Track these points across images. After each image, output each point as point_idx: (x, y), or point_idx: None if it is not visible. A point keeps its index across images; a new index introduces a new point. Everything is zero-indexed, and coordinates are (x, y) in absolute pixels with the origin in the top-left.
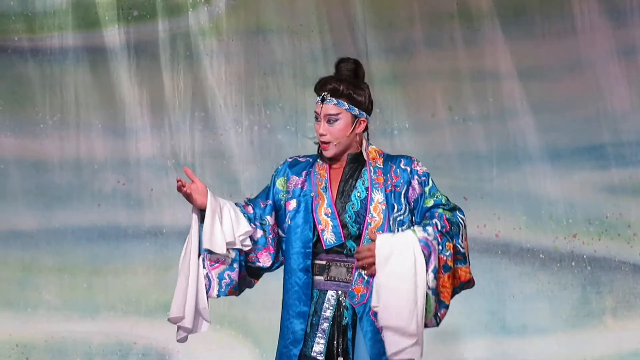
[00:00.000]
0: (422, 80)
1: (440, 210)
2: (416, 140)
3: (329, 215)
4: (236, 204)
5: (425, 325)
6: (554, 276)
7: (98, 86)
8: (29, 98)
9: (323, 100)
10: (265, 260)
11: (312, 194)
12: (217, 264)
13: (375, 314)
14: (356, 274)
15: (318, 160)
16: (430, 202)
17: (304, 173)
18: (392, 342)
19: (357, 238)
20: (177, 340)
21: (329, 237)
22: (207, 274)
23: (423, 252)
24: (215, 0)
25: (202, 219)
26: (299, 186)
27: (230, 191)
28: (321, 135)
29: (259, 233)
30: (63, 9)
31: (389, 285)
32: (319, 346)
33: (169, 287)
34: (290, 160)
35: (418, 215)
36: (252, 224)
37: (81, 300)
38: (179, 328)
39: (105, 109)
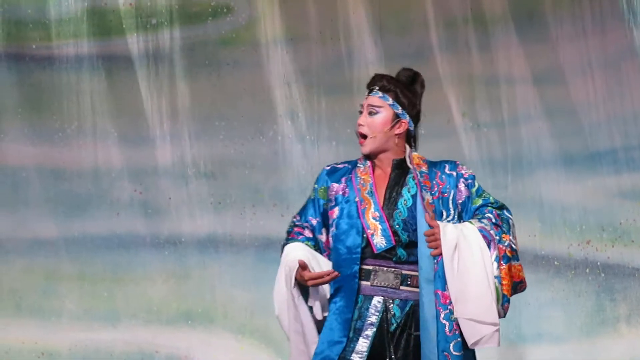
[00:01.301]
0: (437, 86)
1: (489, 208)
2: (431, 147)
3: (377, 219)
4: (295, 233)
5: None
6: (568, 283)
7: (115, 94)
8: (46, 106)
9: (370, 92)
10: None
11: (357, 199)
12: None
13: (438, 295)
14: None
15: (359, 165)
16: (478, 202)
17: (343, 179)
18: (472, 332)
19: (407, 246)
20: None
21: (379, 240)
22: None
23: (484, 240)
24: (236, 10)
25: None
26: (340, 193)
27: (253, 201)
28: (359, 125)
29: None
30: (79, 17)
31: (462, 273)
32: (360, 352)
33: (189, 296)
34: (328, 168)
35: (466, 216)
36: (315, 245)
37: (102, 309)
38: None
39: (122, 117)
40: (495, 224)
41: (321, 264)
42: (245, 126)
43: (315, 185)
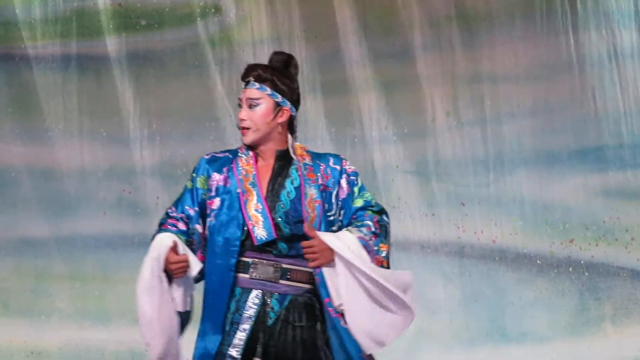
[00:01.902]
0: (421, 85)
1: (369, 212)
2: (414, 146)
3: (260, 211)
4: (168, 224)
5: None
6: (551, 282)
7: (103, 95)
8: (35, 106)
9: (247, 84)
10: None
11: (239, 190)
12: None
13: (329, 304)
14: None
15: (240, 154)
16: (360, 202)
17: (225, 169)
18: (368, 344)
19: (289, 239)
20: None
21: (260, 233)
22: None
23: (364, 250)
24: (224, 10)
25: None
26: (222, 183)
27: None
28: (241, 120)
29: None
30: (67, 17)
31: (350, 286)
32: (237, 345)
33: None
34: (207, 156)
35: (346, 215)
36: (188, 240)
37: (93, 308)
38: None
39: (110, 117)
40: (374, 233)
41: (190, 260)
42: (235, 126)
43: (194, 175)
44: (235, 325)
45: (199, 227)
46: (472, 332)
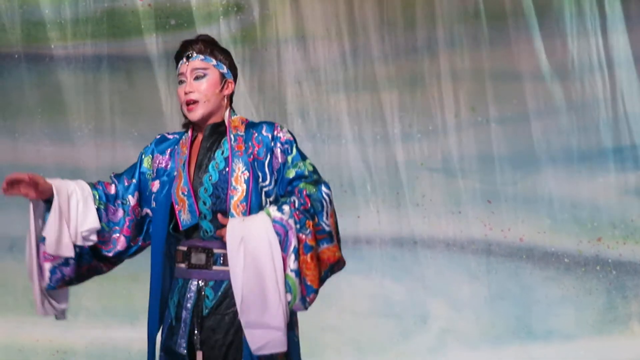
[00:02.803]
0: (445, 81)
1: (301, 185)
2: (439, 143)
3: (185, 193)
4: (98, 183)
5: (293, 310)
6: (579, 281)
7: (134, 94)
8: (65, 106)
9: (188, 58)
10: (121, 243)
11: (175, 172)
12: (50, 257)
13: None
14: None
15: (183, 135)
16: (292, 173)
17: (168, 151)
18: (256, 337)
19: (214, 219)
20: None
21: (185, 217)
22: (39, 264)
23: (278, 233)
24: (247, 9)
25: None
26: (162, 165)
27: None
28: (188, 93)
29: (119, 214)
30: (97, 17)
31: (245, 276)
32: (182, 340)
33: None
34: (158, 137)
35: (280, 187)
36: (112, 205)
37: (120, 307)
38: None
39: (141, 117)
40: (298, 210)
41: (87, 218)
42: None
43: (142, 152)
44: (179, 319)
45: (131, 199)
46: (499, 330)
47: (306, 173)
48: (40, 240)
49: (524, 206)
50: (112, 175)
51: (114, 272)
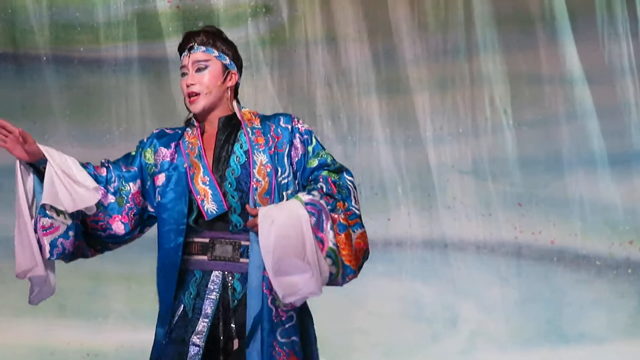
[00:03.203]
0: (477, 84)
1: (325, 173)
2: (471, 146)
3: (207, 183)
4: (87, 163)
5: (331, 284)
6: (610, 284)
7: (164, 96)
8: (95, 108)
9: (190, 49)
10: (118, 227)
11: (185, 165)
12: (50, 230)
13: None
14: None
15: (187, 129)
16: (314, 163)
17: (172, 145)
18: (283, 285)
19: (242, 211)
20: (31, 301)
21: (210, 207)
22: (37, 238)
23: (312, 213)
24: (276, 10)
25: (36, 172)
26: (168, 159)
27: None
28: (190, 85)
29: (110, 198)
30: (128, 20)
31: (276, 254)
32: (200, 332)
33: None
34: (156, 131)
35: (302, 177)
36: (102, 187)
37: (149, 310)
38: (32, 284)
39: (171, 118)
40: (327, 194)
41: (86, 180)
42: None
43: (139, 145)
44: (198, 311)
45: (132, 186)
46: (529, 332)
47: (329, 161)
48: (40, 212)
49: (555, 209)
50: (103, 160)
51: (142, 274)
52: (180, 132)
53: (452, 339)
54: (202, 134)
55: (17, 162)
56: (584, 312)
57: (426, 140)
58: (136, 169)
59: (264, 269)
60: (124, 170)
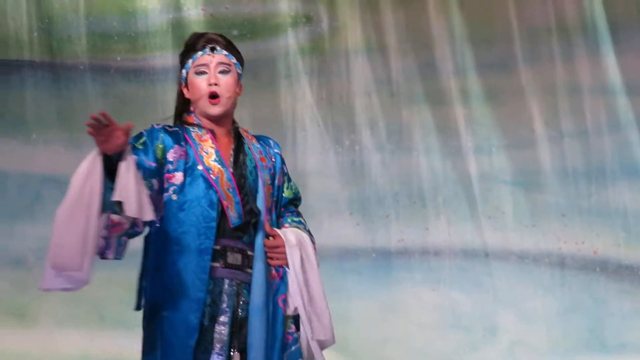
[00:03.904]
0: (520, 96)
1: (297, 210)
2: (513, 157)
3: (230, 190)
4: None
5: None
6: None
7: None
8: (131, 117)
9: (213, 50)
10: (141, 224)
11: (200, 167)
12: (118, 227)
13: (284, 300)
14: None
15: (191, 129)
16: (290, 194)
17: (183, 143)
18: (318, 350)
19: (255, 224)
20: (44, 288)
21: (232, 215)
22: (104, 235)
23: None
24: (316, 20)
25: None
26: (182, 157)
27: (330, 211)
28: (213, 85)
29: None
30: (163, 29)
31: (310, 291)
32: (221, 341)
33: None
34: (159, 126)
35: (277, 205)
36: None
37: None
38: (56, 274)
39: None
40: (308, 231)
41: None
42: (323, 136)
43: (145, 139)
44: (213, 319)
45: (155, 183)
46: (570, 342)
47: (299, 195)
48: (109, 208)
49: (598, 219)
50: None
51: None
52: (179, 130)
53: (491, 349)
54: (214, 138)
55: (98, 155)
56: (626, 322)
57: (468, 151)
58: (156, 165)
59: (276, 292)
60: (148, 164)
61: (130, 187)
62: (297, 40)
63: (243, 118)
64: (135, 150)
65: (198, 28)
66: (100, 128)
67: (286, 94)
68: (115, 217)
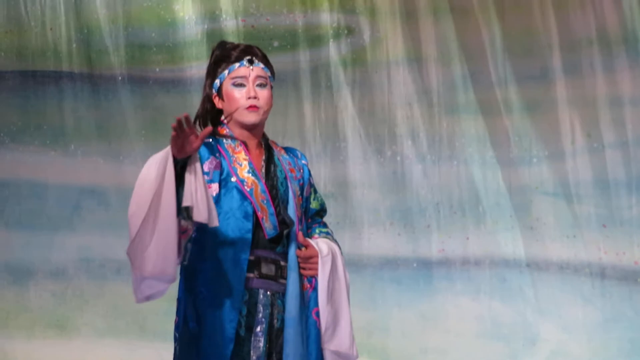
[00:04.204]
0: (561, 108)
1: (322, 217)
2: (554, 167)
3: (265, 201)
4: None
5: None
6: None
7: None
8: (169, 128)
9: (251, 62)
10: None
11: (234, 179)
12: (185, 233)
13: (318, 313)
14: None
15: (224, 140)
16: (317, 205)
17: (216, 154)
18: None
19: (288, 234)
20: (139, 300)
21: (267, 226)
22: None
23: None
24: (357, 31)
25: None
26: (217, 169)
27: (371, 221)
28: (253, 98)
29: None
30: (199, 40)
31: (335, 301)
32: (258, 351)
33: None
34: None
35: (305, 215)
36: None
37: None
38: (147, 284)
39: None
40: (336, 241)
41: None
42: (364, 146)
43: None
44: (250, 329)
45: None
46: (611, 352)
47: (325, 206)
48: (179, 214)
49: (639, 230)
50: None
51: None
52: (212, 142)
53: (531, 359)
54: (247, 150)
55: (171, 157)
56: None
57: (510, 161)
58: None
59: (309, 305)
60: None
61: (199, 192)
62: (339, 51)
63: (285, 128)
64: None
65: (237, 39)
66: (183, 131)
67: (327, 104)
68: (183, 223)
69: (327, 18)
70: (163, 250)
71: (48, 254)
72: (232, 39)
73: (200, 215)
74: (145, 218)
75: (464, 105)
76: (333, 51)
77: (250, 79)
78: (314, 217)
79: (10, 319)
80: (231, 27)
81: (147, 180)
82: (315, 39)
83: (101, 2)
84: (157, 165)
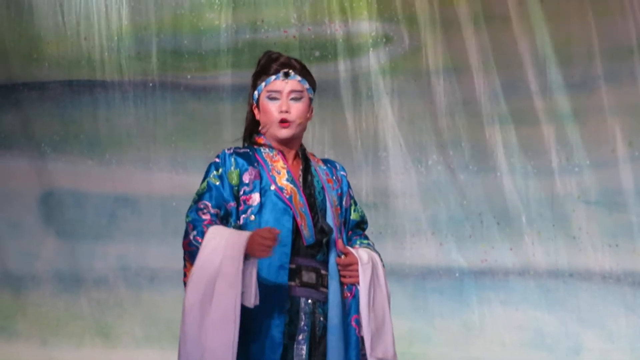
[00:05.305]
0: (602, 116)
1: (364, 229)
2: (596, 176)
3: (303, 209)
4: (214, 219)
5: None
6: None
7: None
8: (200, 134)
9: (287, 75)
10: None
11: (273, 187)
12: None
13: (357, 320)
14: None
15: (263, 150)
16: (357, 216)
17: (255, 164)
18: (378, 344)
19: (327, 242)
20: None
21: (306, 233)
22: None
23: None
24: (396, 40)
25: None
26: (257, 179)
27: (412, 230)
28: (284, 112)
29: None
30: (238, 48)
31: (377, 310)
32: (300, 358)
33: None
34: (229, 151)
35: (345, 226)
36: None
37: None
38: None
39: None
40: (378, 253)
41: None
42: (405, 155)
43: (221, 169)
44: (292, 337)
45: (234, 211)
46: None
47: (365, 218)
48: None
49: None
50: (204, 205)
51: None
52: (249, 152)
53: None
54: (285, 159)
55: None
56: None
57: (552, 170)
58: (234, 203)
59: (349, 313)
60: (229, 208)
61: (253, 285)
62: (379, 60)
63: (326, 138)
64: (210, 189)
65: (278, 49)
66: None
67: (368, 114)
68: None
69: (366, 27)
70: (226, 347)
71: (91, 263)
72: (273, 49)
73: (248, 302)
74: (207, 311)
75: (506, 114)
76: (373, 60)
77: (285, 92)
78: (354, 229)
79: (61, 327)
80: (273, 38)
81: (226, 274)
82: (355, 48)
83: (133, 9)
84: (234, 261)
